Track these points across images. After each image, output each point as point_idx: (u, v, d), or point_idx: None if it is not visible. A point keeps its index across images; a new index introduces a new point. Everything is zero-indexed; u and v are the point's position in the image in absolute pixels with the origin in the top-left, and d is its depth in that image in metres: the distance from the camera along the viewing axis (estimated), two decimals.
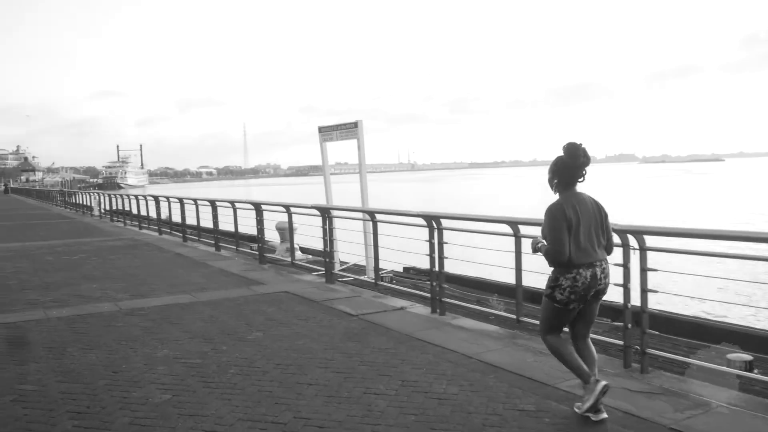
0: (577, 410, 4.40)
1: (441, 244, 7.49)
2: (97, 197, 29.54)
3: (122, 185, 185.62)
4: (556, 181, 4.40)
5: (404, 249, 8.75)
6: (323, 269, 10.39)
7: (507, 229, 6.87)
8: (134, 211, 23.52)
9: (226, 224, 15.12)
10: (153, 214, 20.93)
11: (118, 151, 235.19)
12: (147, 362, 5.97)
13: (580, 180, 4.36)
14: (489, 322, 7.44)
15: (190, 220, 17.14)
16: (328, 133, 11.40)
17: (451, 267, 8.02)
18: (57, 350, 6.48)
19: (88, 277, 11.23)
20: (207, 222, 15.59)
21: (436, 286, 7.60)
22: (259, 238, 12.53)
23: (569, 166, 4.32)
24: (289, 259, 11.94)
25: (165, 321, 7.66)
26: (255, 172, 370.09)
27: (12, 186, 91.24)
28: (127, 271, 11.83)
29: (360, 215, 9.84)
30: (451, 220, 7.59)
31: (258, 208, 12.46)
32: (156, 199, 20.07)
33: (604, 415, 4.28)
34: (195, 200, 16.27)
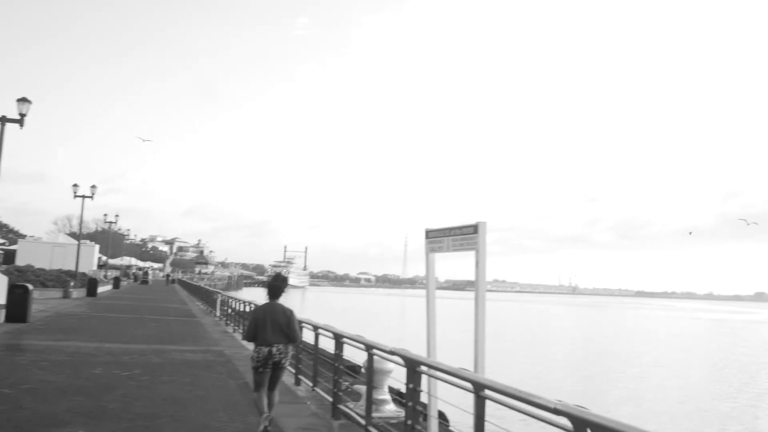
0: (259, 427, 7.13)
1: None
2: (220, 297, 27.77)
3: None
4: (267, 293, 7.50)
5: None
6: None
7: None
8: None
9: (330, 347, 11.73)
10: None
11: (284, 251, 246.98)
12: None
13: (282, 294, 7.53)
14: None
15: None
16: (436, 240, 7.81)
17: None
18: None
19: (96, 413, 8.22)
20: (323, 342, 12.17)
21: None
22: (335, 381, 8.94)
23: (271, 286, 7.56)
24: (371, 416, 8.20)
25: None
26: (412, 282, 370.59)
27: (178, 277, 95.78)
28: (151, 408, 8.72)
29: (467, 385, 5.59)
30: None
31: (338, 339, 9.00)
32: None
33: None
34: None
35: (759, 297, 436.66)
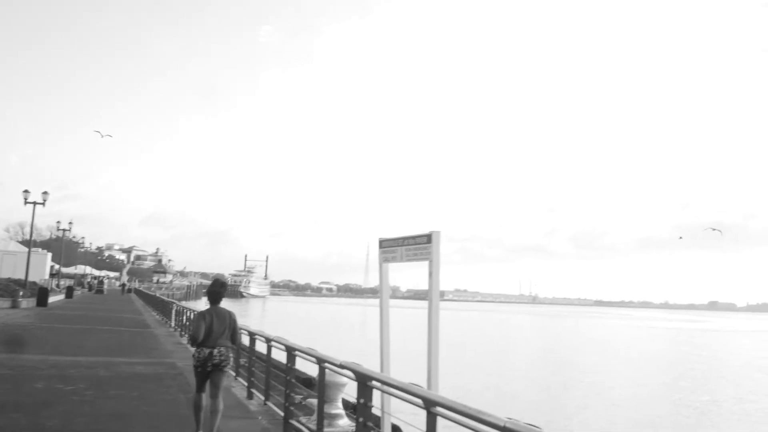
0: None
1: None
2: (175, 307, 27.17)
3: (244, 294, 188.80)
4: (208, 298, 7.83)
5: None
6: None
7: None
8: None
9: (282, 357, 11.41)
10: None
11: (245, 260, 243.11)
12: None
13: (222, 299, 7.80)
14: None
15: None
16: (390, 249, 7.65)
17: None
18: None
19: (32, 431, 7.82)
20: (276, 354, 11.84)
21: None
22: (287, 395, 8.69)
23: (210, 291, 7.90)
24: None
25: None
26: (374, 292, 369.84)
27: (135, 287, 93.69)
28: (94, 425, 8.38)
29: (418, 401, 5.37)
30: None
31: (290, 352, 8.76)
32: None
33: None
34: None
35: (712, 306, 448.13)
